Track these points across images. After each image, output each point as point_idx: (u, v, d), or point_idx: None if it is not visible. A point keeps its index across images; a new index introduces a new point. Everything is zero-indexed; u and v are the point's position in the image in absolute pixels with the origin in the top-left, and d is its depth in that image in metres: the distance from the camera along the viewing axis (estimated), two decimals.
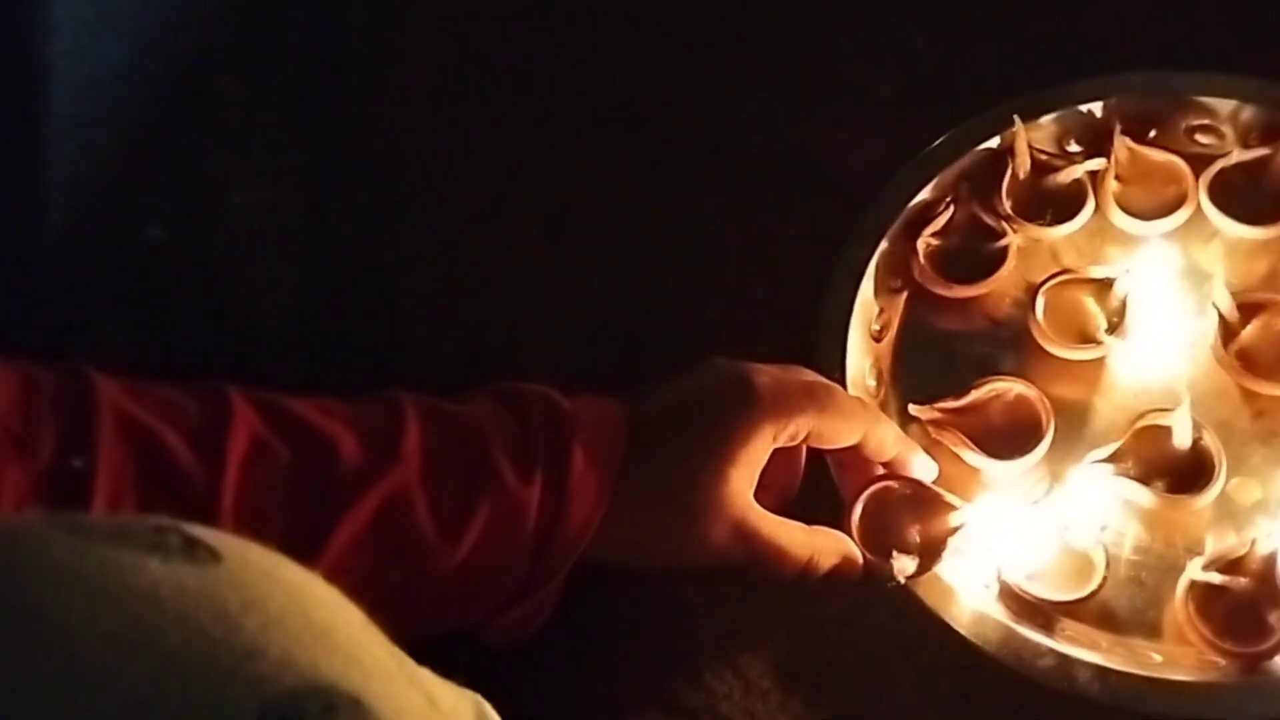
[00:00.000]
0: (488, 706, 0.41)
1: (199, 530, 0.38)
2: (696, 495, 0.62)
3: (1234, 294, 0.70)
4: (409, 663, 0.39)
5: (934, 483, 0.68)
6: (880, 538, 0.66)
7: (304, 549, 0.55)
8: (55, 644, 0.34)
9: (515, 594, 0.62)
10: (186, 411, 0.57)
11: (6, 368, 0.56)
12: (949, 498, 0.67)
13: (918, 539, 0.66)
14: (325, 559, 0.57)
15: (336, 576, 0.55)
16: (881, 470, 0.68)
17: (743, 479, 0.62)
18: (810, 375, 0.67)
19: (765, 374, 0.64)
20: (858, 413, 0.66)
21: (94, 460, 0.55)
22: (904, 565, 0.65)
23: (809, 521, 0.66)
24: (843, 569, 0.65)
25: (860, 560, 0.66)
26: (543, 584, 0.62)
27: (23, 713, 0.33)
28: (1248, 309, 0.70)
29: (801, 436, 0.64)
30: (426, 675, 0.40)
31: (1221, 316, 0.70)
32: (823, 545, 0.65)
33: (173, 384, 0.59)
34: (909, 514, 0.67)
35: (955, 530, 0.66)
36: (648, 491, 0.62)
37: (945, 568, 0.66)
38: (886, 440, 0.67)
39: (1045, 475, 0.69)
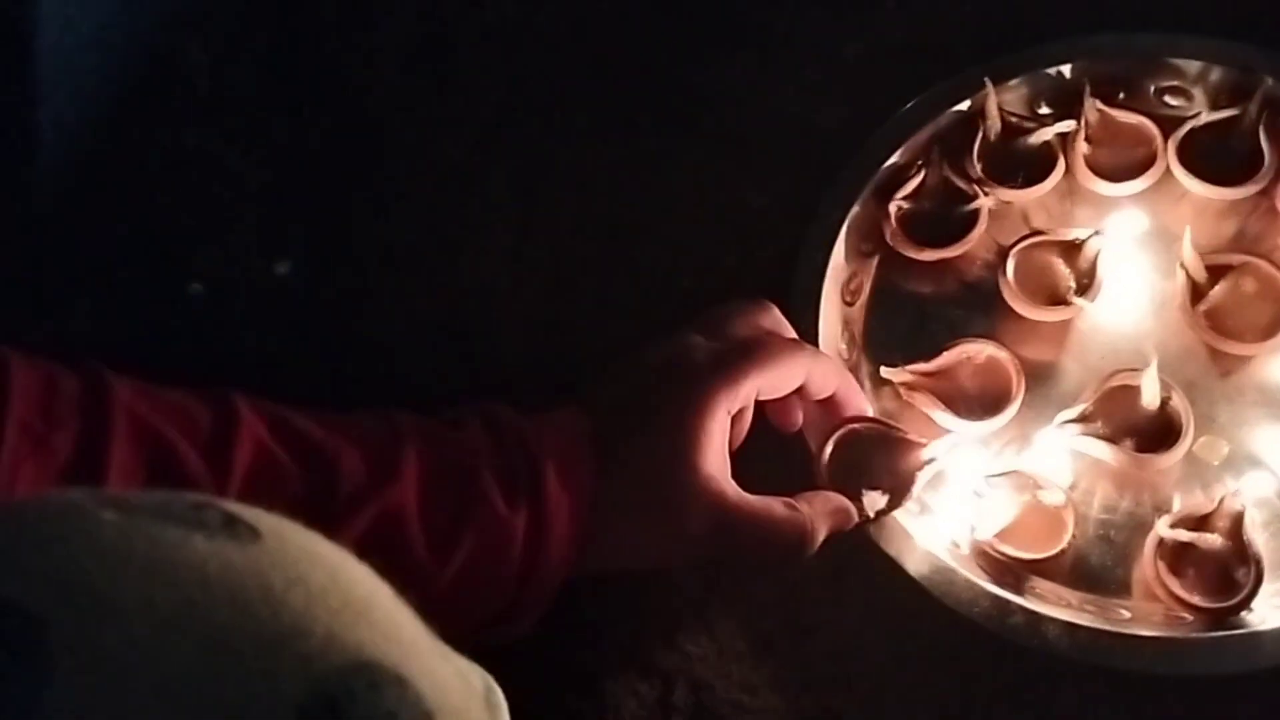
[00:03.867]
0: (492, 681, 0.41)
1: (235, 506, 0.39)
2: (671, 493, 0.61)
3: (1202, 254, 0.70)
4: (437, 639, 0.40)
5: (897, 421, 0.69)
6: (850, 479, 0.66)
7: None
8: (110, 619, 0.34)
9: (500, 617, 0.62)
10: (196, 419, 0.59)
11: (30, 367, 0.57)
12: (913, 436, 0.67)
13: (886, 477, 0.66)
14: None
15: None
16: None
17: (712, 464, 0.62)
18: (743, 323, 0.66)
19: (701, 350, 0.64)
20: (796, 356, 0.65)
21: (106, 462, 0.56)
22: (874, 501, 0.65)
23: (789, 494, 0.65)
24: (838, 525, 0.65)
25: (852, 510, 0.65)
26: (528, 609, 0.62)
27: (80, 688, 0.33)
28: (1215, 270, 0.70)
29: (752, 399, 0.64)
30: (449, 650, 0.40)
31: (1189, 276, 0.70)
32: (811, 513, 0.64)
33: (180, 389, 0.60)
34: (876, 454, 0.67)
35: (922, 465, 0.66)
36: (624, 502, 0.62)
37: (914, 515, 0.67)
38: (829, 376, 0.66)
39: (1015, 435, 0.70)
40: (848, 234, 0.74)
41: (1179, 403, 0.68)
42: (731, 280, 0.76)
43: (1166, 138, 0.74)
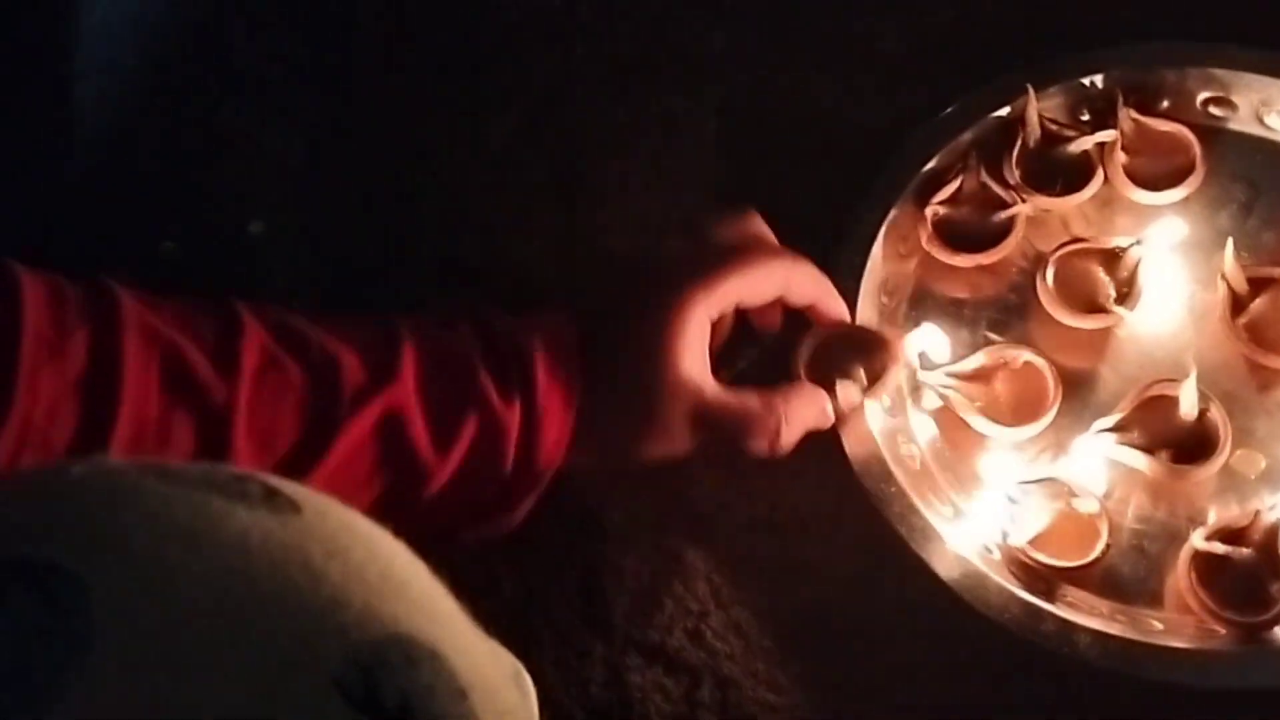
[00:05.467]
0: (520, 666, 0.42)
1: (276, 480, 0.39)
2: (652, 391, 0.64)
3: (1244, 266, 0.70)
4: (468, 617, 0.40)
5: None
6: (827, 380, 0.68)
7: (307, 457, 0.59)
8: (151, 584, 0.35)
9: (492, 509, 0.64)
10: (201, 325, 0.60)
11: (36, 278, 0.58)
12: (888, 334, 0.69)
13: (863, 374, 0.68)
14: (326, 467, 0.59)
15: (335, 484, 0.58)
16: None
17: (690, 363, 0.64)
18: (726, 229, 0.68)
19: (683, 256, 0.67)
20: (774, 264, 0.67)
21: (121, 367, 0.56)
22: (849, 394, 0.67)
23: None
24: (814, 420, 0.67)
25: (828, 406, 0.67)
26: (523, 498, 0.64)
27: (120, 650, 0.34)
28: (1257, 282, 0.70)
29: (730, 304, 0.66)
30: (482, 632, 0.40)
31: (1230, 288, 0.70)
32: (785, 407, 0.66)
33: (182, 300, 0.61)
34: (853, 354, 0.69)
35: (897, 358, 0.68)
36: (608, 398, 0.64)
37: (948, 519, 0.67)
38: (807, 284, 0.68)
39: (1051, 442, 0.69)
40: (886, 237, 0.74)
41: (1217, 415, 0.68)
42: None
43: (1206, 146, 0.74)
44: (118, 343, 0.57)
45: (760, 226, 0.69)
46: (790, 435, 0.66)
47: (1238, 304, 0.70)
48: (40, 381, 0.55)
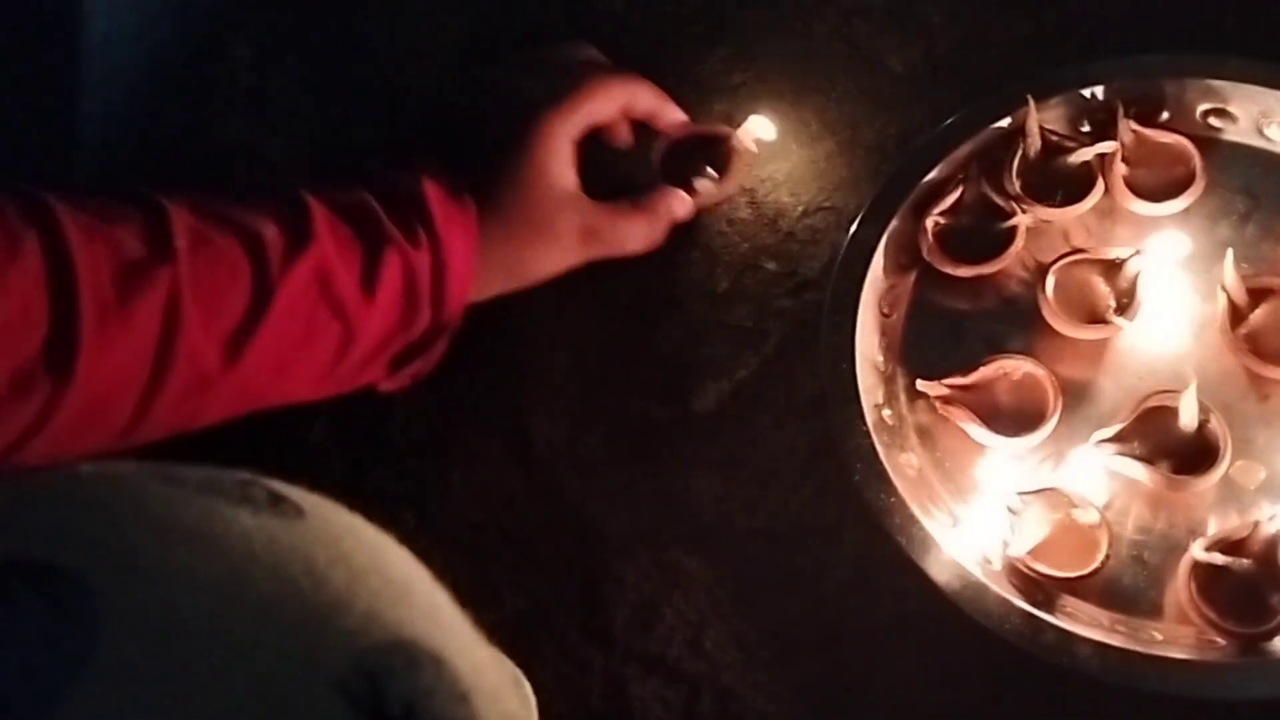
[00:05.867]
0: (521, 674, 0.42)
1: (280, 485, 0.39)
2: (538, 212, 0.72)
3: (1244, 277, 0.70)
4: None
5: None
6: (682, 178, 0.77)
7: (249, 322, 0.63)
8: (156, 588, 0.35)
9: (417, 350, 0.71)
10: (128, 214, 0.63)
11: None
12: (723, 128, 0.77)
13: (710, 166, 0.77)
14: (268, 330, 0.64)
15: (278, 347, 0.64)
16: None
17: (562, 174, 0.73)
18: (566, 59, 0.78)
19: (536, 89, 0.74)
20: (617, 85, 0.75)
21: (73, 266, 0.60)
22: (705, 186, 0.76)
23: None
24: (680, 209, 0.76)
25: (687, 197, 0.76)
26: (441, 333, 0.71)
27: (128, 656, 0.34)
28: (1257, 293, 0.70)
29: (587, 122, 0.74)
30: (482, 638, 0.41)
31: (1230, 299, 0.70)
32: (654, 203, 0.75)
33: (104, 197, 0.64)
34: (698, 151, 0.77)
35: (737, 150, 0.76)
36: (501, 228, 0.72)
37: (947, 528, 0.67)
38: (647, 97, 0.76)
39: (1051, 453, 0.69)
40: (886, 247, 0.74)
41: (1217, 426, 0.67)
42: (771, 283, 0.76)
43: (1206, 158, 0.74)
44: (64, 242, 0.60)
45: (593, 53, 0.78)
46: (663, 226, 0.75)
47: (1238, 315, 0.70)
48: (9, 280, 0.58)
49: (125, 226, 0.63)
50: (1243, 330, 0.70)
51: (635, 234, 0.75)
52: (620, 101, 0.76)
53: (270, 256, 0.65)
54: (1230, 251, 0.70)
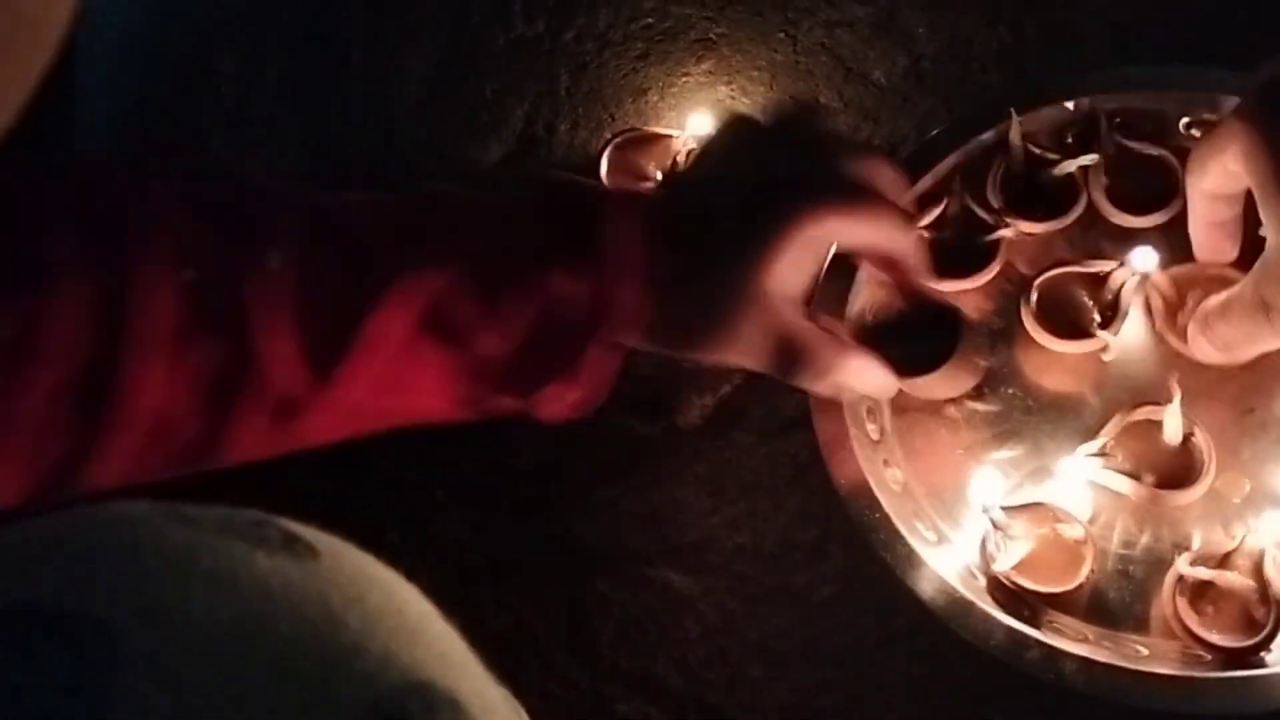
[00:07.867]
0: (519, 706, 0.42)
1: (295, 526, 0.39)
2: (741, 294, 0.62)
3: (1171, 273, 0.70)
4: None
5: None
6: (892, 349, 0.66)
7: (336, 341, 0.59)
8: (177, 631, 0.35)
9: (568, 374, 0.62)
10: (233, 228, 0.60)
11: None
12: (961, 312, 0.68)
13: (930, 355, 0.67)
14: (359, 349, 0.59)
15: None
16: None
17: (784, 279, 0.62)
18: (862, 167, 0.65)
19: (811, 172, 0.64)
20: (893, 219, 0.64)
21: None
22: (918, 385, 0.66)
23: None
24: (874, 392, 0.67)
25: (891, 382, 0.66)
26: (593, 371, 0.63)
27: (147, 698, 0.33)
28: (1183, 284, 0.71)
29: (838, 240, 0.65)
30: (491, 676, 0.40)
31: (1161, 297, 0.70)
32: (851, 360, 0.64)
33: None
34: (921, 329, 0.68)
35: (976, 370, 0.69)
36: (688, 288, 0.62)
37: (932, 544, 0.66)
38: (905, 247, 0.66)
39: (1036, 467, 0.69)
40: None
41: (1201, 439, 0.67)
42: None
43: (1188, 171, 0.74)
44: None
45: (893, 178, 0.66)
46: (838, 388, 0.65)
47: (1171, 310, 0.70)
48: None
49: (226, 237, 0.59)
50: (1181, 320, 0.70)
51: (814, 380, 0.64)
52: (884, 238, 0.65)
53: (372, 267, 0.60)
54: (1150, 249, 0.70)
